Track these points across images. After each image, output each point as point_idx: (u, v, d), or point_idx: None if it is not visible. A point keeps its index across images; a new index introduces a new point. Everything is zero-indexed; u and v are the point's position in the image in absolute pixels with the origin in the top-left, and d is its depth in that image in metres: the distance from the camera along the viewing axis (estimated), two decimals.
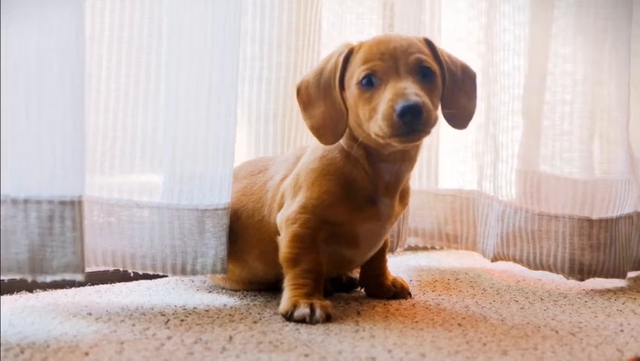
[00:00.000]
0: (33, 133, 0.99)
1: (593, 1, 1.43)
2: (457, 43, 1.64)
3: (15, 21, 0.97)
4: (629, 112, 1.48)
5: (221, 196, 1.17)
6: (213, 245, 1.16)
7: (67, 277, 1.01)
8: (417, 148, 1.14)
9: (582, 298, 1.31)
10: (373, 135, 1.05)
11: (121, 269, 1.17)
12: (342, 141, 1.13)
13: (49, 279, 1.00)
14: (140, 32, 1.17)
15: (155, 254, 1.16)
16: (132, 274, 1.25)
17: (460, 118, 1.15)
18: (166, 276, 1.31)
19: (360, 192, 1.12)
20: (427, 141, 1.59)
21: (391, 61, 1.06)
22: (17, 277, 1.00)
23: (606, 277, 1.42)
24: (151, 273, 1.18)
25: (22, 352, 0.88)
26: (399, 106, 1.00)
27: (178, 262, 1.16)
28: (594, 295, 1.34)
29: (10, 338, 0.94)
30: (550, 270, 1.43)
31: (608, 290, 1.38)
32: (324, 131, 1.11)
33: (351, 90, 1.08)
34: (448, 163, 1.69)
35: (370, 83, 1.06)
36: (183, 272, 1.17)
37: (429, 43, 1.13)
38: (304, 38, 1.39)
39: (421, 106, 1.00)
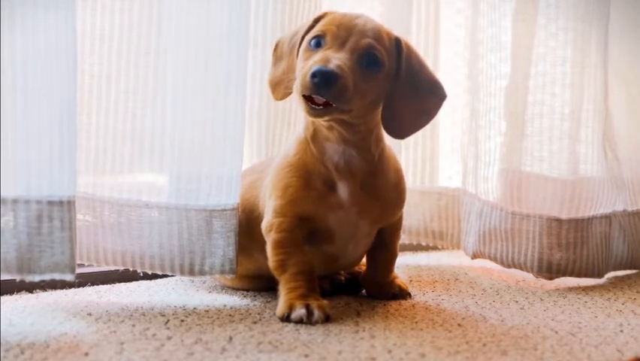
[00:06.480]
0: (22, 134, 0.99)
1: (573, 4, 1.43)
2: (456, 44, 1.65)
3: (6, 22, 0.97)
4: (606, 113, 1.48)
5: (229, 196, 1.17)
6: (221, 245, 1.16)
7: (57, 276, 1.00)
8: (356, 132, 1.11)
9: (582, 298, 1.31)
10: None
11: (130, 269, 1.18)
12: (302, 124, 1.14)
13: (37, 278, 1.00)
14: (148, 31, 1.17)
15: (164, 254, 1.16)
16: (133, 275, 1.25)
17: (396, 128, 1.12)
18: (167, 276, 1.30)
19: (316, 178, 1.12)
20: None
21: (344, 33, 1.06)
22: (6, 276, 1.00)
23: (578, 276, 1.42)
24: (160, 273, 1.18)
25: (22, 352, 0.88)
26: (314, 68, 1.00)
27: (186, 262, 1.16)
28: (594, 295, 1.34)
29: (10, 338, 0.94)
30: (521, 268, 1.44)
31: (608, 290, 1.38)
32: (278, 86, 1.15)
33: (302, 47, 1.10)
34: (447, 165, 1.69)
35: (318, 44, 1.07)
36: (191, 273, 1.17)
37: (397, 43, 1.11)
38: None
39: (335, 76, 1.00)
